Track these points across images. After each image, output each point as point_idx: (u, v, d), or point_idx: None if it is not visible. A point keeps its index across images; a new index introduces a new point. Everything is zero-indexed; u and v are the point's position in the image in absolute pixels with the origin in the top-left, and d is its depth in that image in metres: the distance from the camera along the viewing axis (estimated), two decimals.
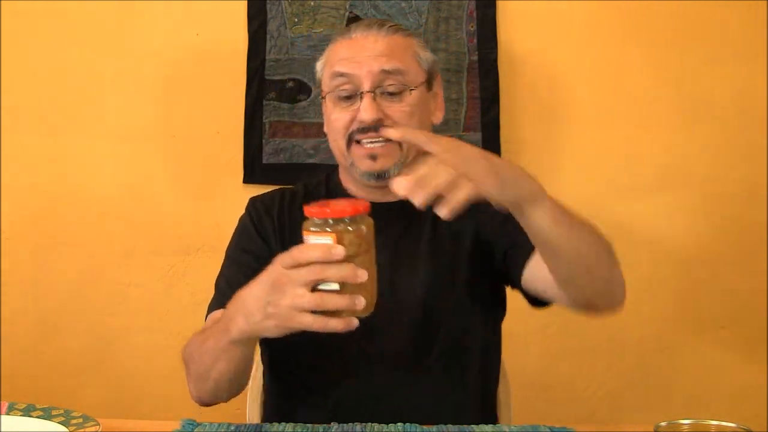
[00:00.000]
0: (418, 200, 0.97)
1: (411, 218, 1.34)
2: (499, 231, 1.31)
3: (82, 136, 1.99)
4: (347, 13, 1.96)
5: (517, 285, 1.33)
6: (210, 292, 1.34)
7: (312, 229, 0.97)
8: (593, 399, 1.99)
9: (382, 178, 1.30)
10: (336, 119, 1.33)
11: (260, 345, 1.39)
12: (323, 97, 1.38)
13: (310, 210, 0.97)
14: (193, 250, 1.99)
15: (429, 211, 1.32)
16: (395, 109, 1.31)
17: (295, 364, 1.34)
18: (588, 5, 1.97)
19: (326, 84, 1.36)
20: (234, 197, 1.97)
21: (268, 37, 1.97)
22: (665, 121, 1.98)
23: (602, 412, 1.98)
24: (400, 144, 1.29)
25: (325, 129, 1.41)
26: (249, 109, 1.97)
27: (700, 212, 1.98)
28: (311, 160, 1.95)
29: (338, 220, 0.96)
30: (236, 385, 1.21)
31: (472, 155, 1.01)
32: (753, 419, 1.88)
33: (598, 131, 1.99)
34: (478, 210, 1.30)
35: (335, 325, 0.96)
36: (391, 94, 1.31)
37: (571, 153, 1.98)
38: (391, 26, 1.36)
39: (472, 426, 1.16)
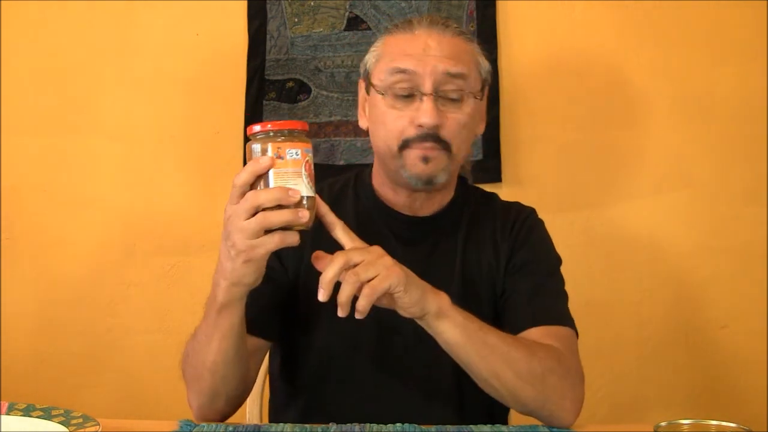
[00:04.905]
0: (344, 292, 1.03)
1: (444, 230, 1.34)
2: (514, 278, 1.32)
3: (82, 136, 1.99)
4: (347, 13, 1.96)
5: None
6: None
7: (252, 145, 1.04)
8: (593, 399, 1.98)
9: (430, 183, 1.28)
10: (392, 121, 1.26)
11: (270, 355, 1.40)
12: (368, 91, 1.31)
13: (251, 127, 1.04)
14: (193, 250, 1.99)
15: (461, 226, 1.34)
16: (452, 116, 1.26)
17: (305, 369, 1.33)
18: (588, 5, 1.97)
19: (381, 78, 1.28)
20: None
21: (268, 37, 1.97)
22: (665, 121, 1.98)
23: (602, 412, 1.98)
24: (449, 150, 1.27)
25: (370, 122, 1.33)
26: (249, 109, 1.97)
27: (700, 212, 1.98)
28: None
29: (279, 132, 1.03)
30: (233, 379, 1.18)
31: (390, 264, 1.07)
32: (753, 419, 1.89)
33: (598, 131, 1.99)
34: (500, 244, 1.34)
35: (292, 239, 1.02)
36: (450, 99, 1.26)
37: (572, 153, 1.98)
38: (456, 27, 1.30)
39: (471, 426, 1.16)
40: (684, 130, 1.98)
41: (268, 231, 1.02)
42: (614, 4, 1.97)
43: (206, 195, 1.99)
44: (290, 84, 1.97)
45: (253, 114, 1.96)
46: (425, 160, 1.25)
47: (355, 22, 1.96)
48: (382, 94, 1.27)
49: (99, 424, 1.09)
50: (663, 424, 1.00)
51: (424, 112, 1.23)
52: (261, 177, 1.02)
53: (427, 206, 1.35)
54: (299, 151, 1.03)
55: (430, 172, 1.26)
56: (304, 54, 1.97)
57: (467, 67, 1.27)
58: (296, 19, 1.97)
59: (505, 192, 1.91)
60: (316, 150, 1.94)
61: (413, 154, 1.26)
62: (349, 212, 1.35)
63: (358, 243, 1.10)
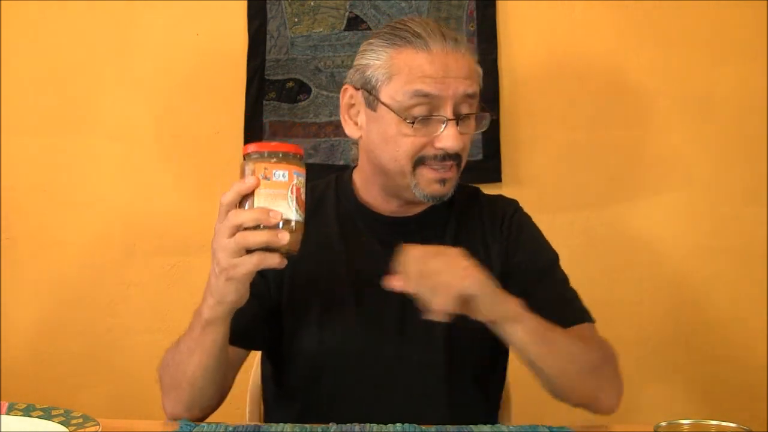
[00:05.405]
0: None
1: (430, 231, 1.33)
2: (516, 283, 1.28)
3: (82, 136, 1.99)
4: (347, 13, 1.96)
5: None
6: None
7: (244, 165, 1.05)
8: None
9: (441, 200, 1.28)
10: (408, 142, 1.22)
11: (262, 357, 1.40)
12: (372, 106, 1.25)
13: (246, 148, 1.05)
14: (193, 250, 1.99)
15: (449, 226, 1.34)
16: (466, 136, 1.26)
17: (297, 377, 1.33)
18: (588, 5, 1.97)
19: (396, 98, 1.22)
20: None
21: (268, 37, 1.97)
22: (665, 121, 1.98)
23: None
24: (460, 165, 1.27)
25: (372, 135, 1.27)
26: (249, 109, 1.97)
27: (700, 212, 1.98)
28: (311, 160, 1.95)
29: (271, 154, 1.03)
30: (210, 390, 1.19)
31: (467, 266, 1.08)
32: (753, 419, 1.89)
33: (598, 131, 1.99)
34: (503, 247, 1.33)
35: (272, 260, 1.03)
36: (462, 118, 1.24)
37: (572, 153, 1.98)
38: (463, 41, 1.27)
39: (471, 426, 1.16)
40: (684, 130, 1.98)
41: (251, 251, 1.03)
42: (614, 4, 1.97)
43: (206, 195, 1.98)
44: (290, 84, 1.97)
45: (253, 114, 1.96)
46: (443, 182, 1.25)
47: (355, 22, 1.96)
48: (402, 116, 1.22)
49: (99, 424, 1.09)
50: (663, 424, 1.00)
51: (448, 138, 1.22)
52: (248, 197, 1.03)
53: (414, 209, 1.34)
54: (287, 174, 1.03)
55: (445, 192, 1.27)
56: (304, 54, 1.97)
57: (478, 85, 1.26)
58: (296, 19, 1.97)
59: (505, 192, 1.88)
60: (315, 150, 1.96)
61: (430, 175, 1.24)
62: (331, 215, 1.34)
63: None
